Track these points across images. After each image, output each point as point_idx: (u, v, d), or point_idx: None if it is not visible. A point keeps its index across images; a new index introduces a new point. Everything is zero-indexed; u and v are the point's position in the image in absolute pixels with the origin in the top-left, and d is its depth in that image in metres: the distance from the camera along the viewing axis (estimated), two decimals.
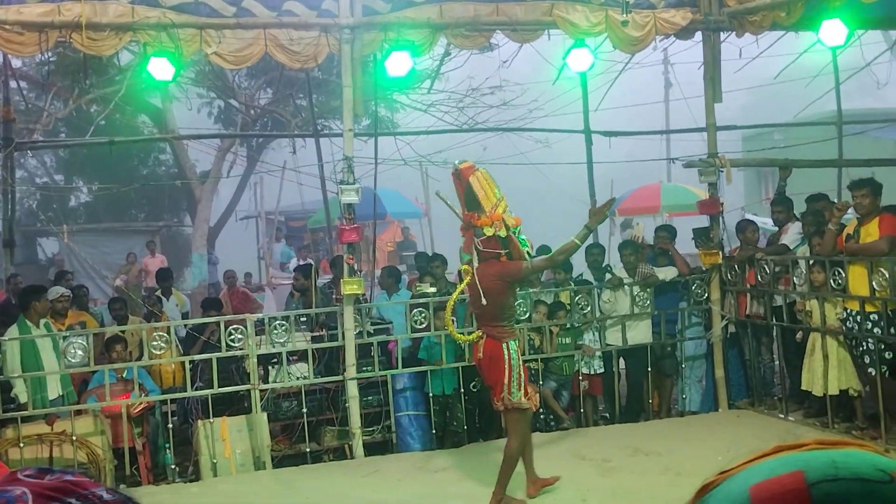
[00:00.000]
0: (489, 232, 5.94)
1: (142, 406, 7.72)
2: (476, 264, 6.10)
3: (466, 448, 8.02)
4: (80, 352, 7.40)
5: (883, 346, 7.08)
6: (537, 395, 6.29)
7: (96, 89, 15.31)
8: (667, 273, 8.92)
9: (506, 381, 5.93)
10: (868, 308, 7.16)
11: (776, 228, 9.09)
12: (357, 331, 8.00)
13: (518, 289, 6.26)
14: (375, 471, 7.38)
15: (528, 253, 6.07)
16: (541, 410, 8.39)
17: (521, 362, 6.05)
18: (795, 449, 0.81)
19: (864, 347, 7.25)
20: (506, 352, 5.95)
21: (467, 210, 6.08)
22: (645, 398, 8.88)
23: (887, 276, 6.94)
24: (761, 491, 0.78)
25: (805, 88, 12.83)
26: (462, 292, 6.71)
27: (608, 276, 8.92)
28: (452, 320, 6.83)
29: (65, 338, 7.54)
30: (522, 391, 5.96)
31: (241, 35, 7.81)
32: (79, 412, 7.47)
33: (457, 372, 8.23)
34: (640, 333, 8.76)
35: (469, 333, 6.62)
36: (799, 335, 8.08)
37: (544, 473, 6.44)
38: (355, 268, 8.17)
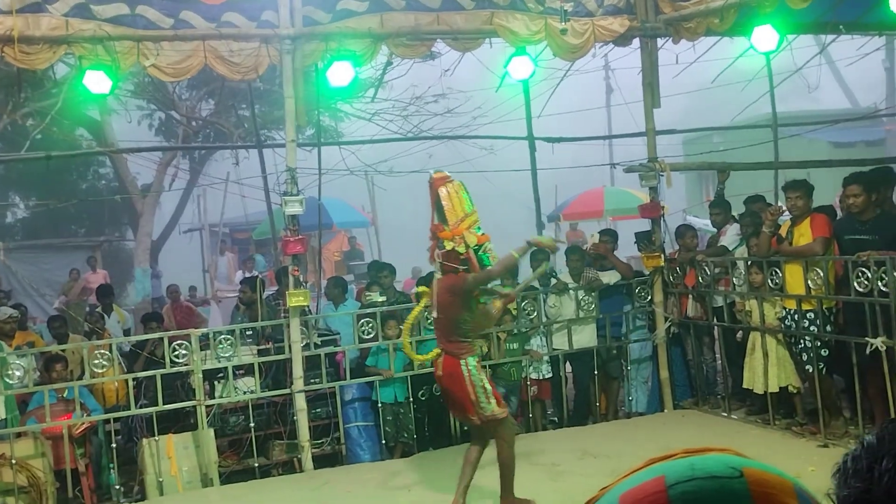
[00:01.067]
0: (448, 246, 5.89)
1: (84, 426, 7.56)
2: (437, 277, 6.10)
3: (417, 457, 8.01)
4: (17, 372, 7.21)
5: (819, 344, 7.27)
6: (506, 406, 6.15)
7: (32, 103, 14.99)
8: (610, 277, 9.04)
9: (472, 397, 5.83)
10: (805, 306, 7.35)
11: (716, 230, 9.27)
12: (304, 343, 7.95)
13: (472, 303, 5.98)
14: (325, 483, 7.34)
15: None
16: None
17: (484, 375, 5.97)
18: (664, 459, 0.88)
19: (802, 345, 7.43)
20: (464, 369, 5.83)
21: (436, 221, 6.04)
22: (592, 401, 8.98)
23: (822, 275, 7.13)
24: (628, 498, 0.87)
25: (741, 92, 13.13)
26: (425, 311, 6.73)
27: (553, 280, 9.00)
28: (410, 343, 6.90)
29: (7, 358, 7.36)
30: (494, 402, 5.87)
31: (180, 47, 7.72)
32: (18, 434, 7.28)
33: (406, 381, 8.22)
34: (586, 337, 8.85)
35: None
36: (739, 335, 8.25)
37: (495, 480, 6.43)
38: (301, 279, 8.11)
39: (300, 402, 7.84)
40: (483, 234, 5.97)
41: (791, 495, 0.86)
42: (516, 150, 13.71)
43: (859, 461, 0.92)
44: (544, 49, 8.90)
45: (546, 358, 8.80)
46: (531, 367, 8.72)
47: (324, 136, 15.36)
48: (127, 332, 11.23)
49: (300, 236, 7.97)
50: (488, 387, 5.89)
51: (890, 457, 0.89)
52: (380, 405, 8.16)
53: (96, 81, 7.46)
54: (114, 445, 7.71)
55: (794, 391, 7.81)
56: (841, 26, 9.40)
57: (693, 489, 0.84)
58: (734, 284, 8.21)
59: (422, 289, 6.51)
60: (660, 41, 9.08)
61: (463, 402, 5.92)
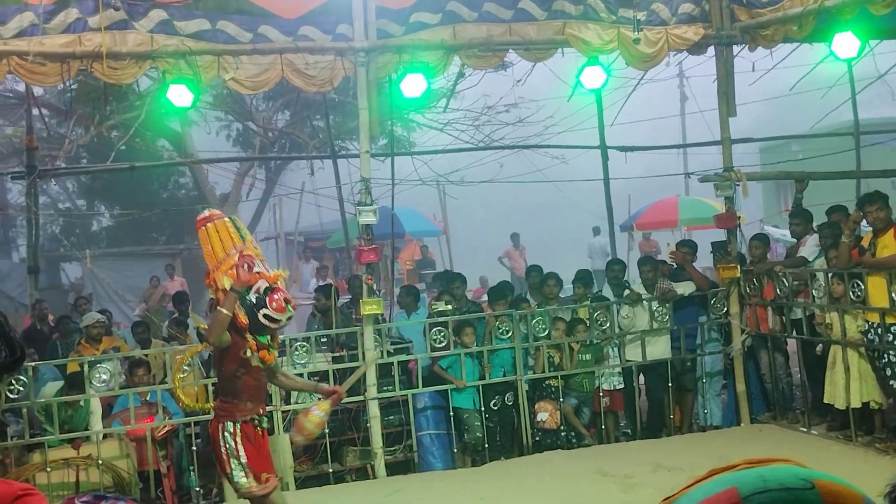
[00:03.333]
0: (210, 293, 5.22)
1: (166, 429, 7.79)
2: None
3: (488, 466, 8.03)
4: (104, 376, 7.49)
5: None
6: (275, 482, 5.21)
7: (117, 115, 15.53)
8: (685, 288, 8.92)
9: (227, 468, 5.08)
10: (889, 320, 7.13)
11: (795, 241, 9.07)
12: (377, 350, 8.05)
13: (231, 361, 5.09)
14: (398, 490, 7.41)
15: (265, 317, 5.04)
16: (562, 428, 8.41)
17: (241, 446, 5.07)
18: (728, 470, 0.90)
19: (886, 360, 7.21)
20: (219, 433, 5.09)
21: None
22: (666, 413, 8.86)
23: None
24: None
25: (821, 99, 12.82)
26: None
27: (626, 291, 8.93)
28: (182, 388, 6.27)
29: (96, 363, 7.65)
30: (251, 477, 5.06)
31: (258, 60, 7.93)
32: (104, 436, 7.55)
33: (477, 390, 8.26)
34: (660, 349, 8.75)
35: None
36: (819, 348, 8.05)
37: (568, 492, 6.38)
38: (374, 288, 8.22)
39: (373, 410, 7.94)
40: (258, 272, 5.09)
41: None
42: (589, 160, 13.69)
43: None
44: (617, 58, 8.86)
45: (618, 369, 8.73)
46: (602, 378, 8.66)
47: (397, 146, 15.53)
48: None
49: (374, 245, 8.09)
50: (243, 456, 5.06)
51: None
52: (452, 412, 8.20)
53: (179, 95, 7.72)
54: (194, 448, 7.91)
55: (877, 407, 7.58)
56: None
57: (769, 500, 0.86)
58: (813, 296, 8.01)
59: (203, 325, 5.75)
60: (735, 49, 8.94)
61: (222, 469, 5.20)
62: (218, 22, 7.85)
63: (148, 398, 7.90)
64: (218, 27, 7.84)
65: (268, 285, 5.07)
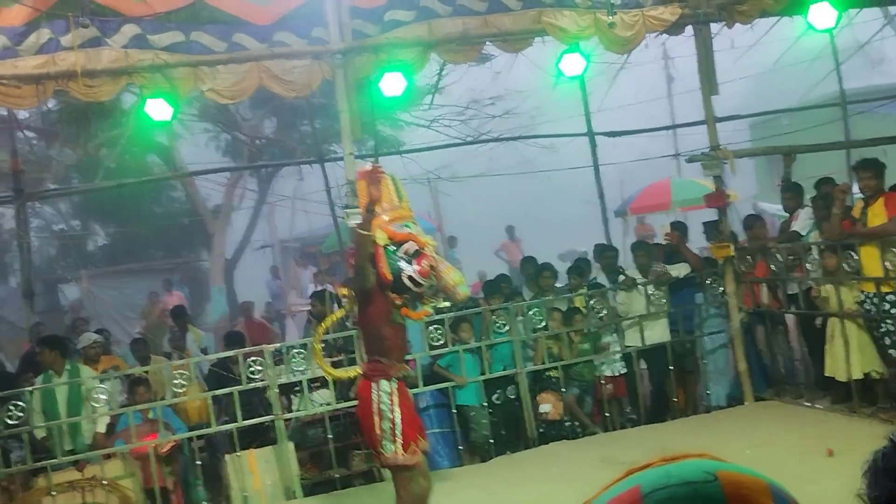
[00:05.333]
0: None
1: (169, 445, 7.78)
2: None
3: (494, 461, 8.01)
4: (103, 396, 7.47)
5: None
6: (421, 450, 5.05)
7: (102, 133, 15.48)
8: (680, 270, 8.89)
9: (376, 430, 4.95)
10: (884, 289, 7.10)
11: (788, 215, 9.05)
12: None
13: (392, 317, 4.99)
14: None
15: (409, 279, 4.94)
16: (566, 418, 8.39)
17: (397, 407, 4.96)
18: (643, 469, 0.90)
19: (884, 329, 7.18)
20: (374, 393, 4.96)
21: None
22: (670, 397, 8.83)
23: None
24: None
25: (806, 71, 12.79)
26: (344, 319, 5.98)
27: (621, 277, 8.91)
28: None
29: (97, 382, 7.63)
30: (398, 443, 4.91)
31: (235, 69, 7.89)
32: (107, 456, 7.53)
33: (480, 385, 8.23)
34: (658, 332, 8.72)
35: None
36: (819, 321, 8.02)
37: (575, 482, 6.37)
38: None
39: None
40: (409, 233, 5.05)
41: (766, 495, 0.87)
42: (578, 147, 13.63)
43: (891, 458, 0.91)
44: (597, 44, 8.82)
45: (619, 355, 8.71)
46: (604, 366, 8.64)
47: (385, 145, 15.48)
48: (204, 351, 11.50)
49: None
50: (398, 422, 4.92)
51: None
52: (456, 409, 8.18)
53: (157, 109, 7.69)
54: (199, 462, 7.89)
55: (878, 377, 7.56)
56: None
57: (667, 496, 0.86)
58: (808, 270, 7.98)
59: (345, 291, 5.59)
60: (715, 27, 8.90)
61: (367, 435, 5.10)
62: (192, 33, 7.81)
63: (150, 415, 7.88)
64: (192, 38, 7.80)
65: (417, 248, 4.98)
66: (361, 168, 5.35)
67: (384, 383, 4.95)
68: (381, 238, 4.93)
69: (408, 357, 8.29)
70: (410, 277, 4.91)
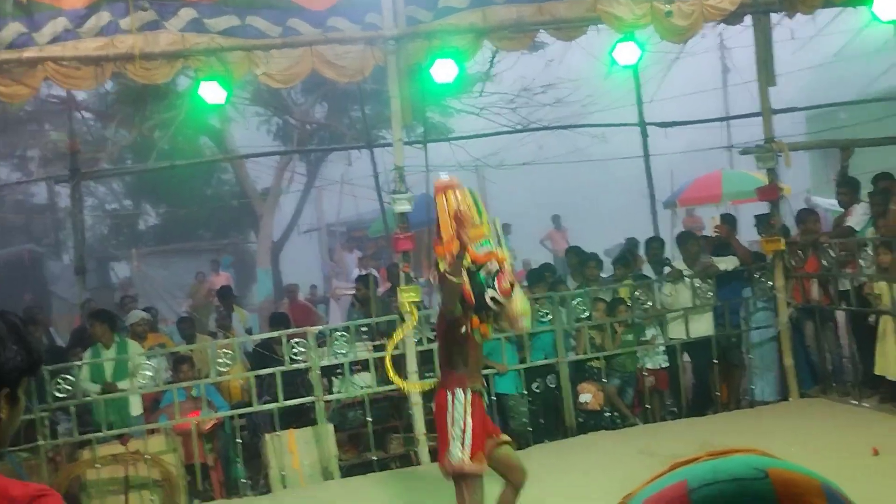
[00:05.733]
0: (441, 266, 5.00)
1: (211, 422, 7.90)
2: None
3: (532, 449, 7.99)
4: (148, 373, 7.61)
5: None
6: (485, 466, 5.03)
7: (157, 115, 15.72)
8: (728, 263, 8.76)
9: (448, 435, 4.95)
10: None
11: (843, 210, 8.85)
12: (417, 338, 8.05)
13: (474, 336, 5.00)
14: (442, 476, 7.39)
15: (492, 300, 4.88)
16: (605, 409, 8.34)
17: (469, 416, 4.94)
18: (688, 463, 0.86)
19: None
20: (448, 400, 5.01)
21: (435, 235, 5.22)
22: (712, 390, 8.72)
23: None
24: None
25: (868, 64, 12.47)
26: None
27: (667, 269, 8.80)
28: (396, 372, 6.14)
29: (143, 358, 7.78)
30: (467, 451, 4.88)
31: (289, 54, 7.93)
32: (151, 431, 7.68)
33: (520, 373, 8.21)
34: (703, 325, 8.61)
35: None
36: (872, 318, 7.84)
37: (613, 473, 6.31)
38: (412, 275, 8.21)
39: (415, 397, 7.94)
40: (490, 251, 4.96)
41: (819, 495, 0.82)
42: (629, 137, 13.49)
43: None
44: (653, 33, 8.69)
45: (662, 348, 8.62)
46: (647, 358, 8.56)
47: (434, 132, 15.48)
48: (249, 331, 11.64)
49: (410, 233, 8.07)
50: (469, 431, 4.91)
51: None
52: (494, 397, 8.17)
53: (211, 92, 7.76)
54: (240, 440, 8.00)
55: None
56: None
57: (715, 492, 0.83)
58: (861, 266, 7.80)
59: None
60: (775, 17, 8.71)
61: (439, 443, 5.12)
62: (247, 17, 7.86)
63: (193, 393, 8.00)
64: (247, 22, 7.85)
65: (497, 267, 4.92)
66: (439, 181, 5.18)
67: (459, 392, 5.00)
68: (467, 262, 4.91)
69: None
70: (493, 298, 4.88)
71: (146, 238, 23.93)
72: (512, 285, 4.95)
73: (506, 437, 5.22)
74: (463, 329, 4.98)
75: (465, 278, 4.85)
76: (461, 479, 4.98)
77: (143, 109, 14.59)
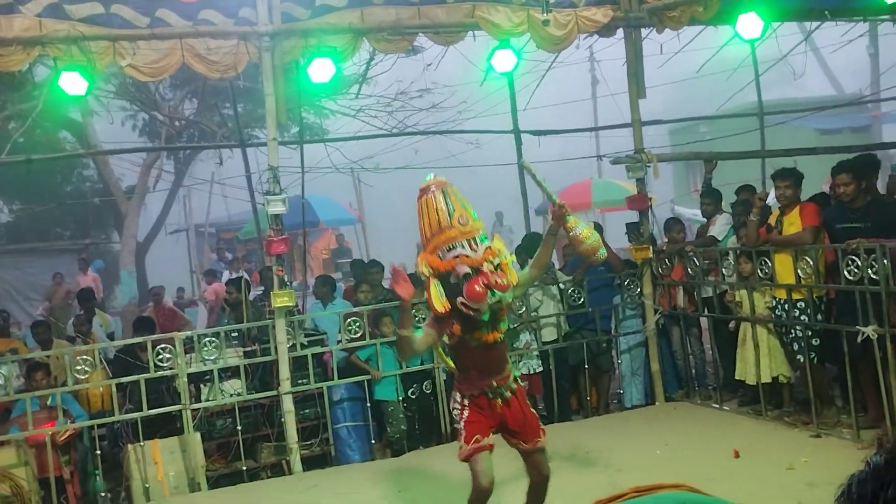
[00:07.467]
0: (425, 271, 4.77)
1: (68, 433, 7.45)
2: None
3: (407, 455, 7.93)
4: None
5: (810, 333, 7.21)
6: (486, 444, 4.95)
7: (12, 105, 14.80)
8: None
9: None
10: (795, 296, 7.28)
11: (705, 220, 9.21)
12: (290, 343, 7.85)
13: (467, 341, 4.89)
14: (315, 485, 7.24)
15: (462, 305, 4.67)
16: None
17: (466, 410, 4.98)
18: (612, 501, 0.81)
19: (793, 335, 7.37)
20: (452, 400, 5.18)
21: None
22: (583, 395, 8.91)
23: (812, 263, 7.07)
24: None
25: (727, 81, 13.05)
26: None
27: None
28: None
29: None
30: (461, 438, 4.99)
31: (157, 46, 7.59)
32: (0, 443, 7.17)
33: (396, 379, 8.14)
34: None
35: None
36: (732, 325, 8.19)
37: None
38: (286, 280, 8.01)
39: (288, 404, 7.74)
40: (460, 254, 4.65)
41: None
42: (503, 144, 13.63)
43: (864, 486, 0.83)
44: (528, 41, 8.81)
45: (536, 353, 8.73)
46: (521, 363, 8.65)
47: (309, 133, 15.23)
48: (111, 336, 11.08)
49: (284, 236, 7.87)
50: (463, 429, 4.96)
51: None
52: (371, 403, 8.07)
53: (72, 83, 7.33)
54: (99, 451, 7.58)
55: (785, 381, 7.77)
56: (826, 12, 9.33)
57: None
58: (723, 275, 8.14)
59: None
60: (644, 31, 8.99)
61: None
62: (112, 5, 7.47)
63: (49, 402, 7.53)
64: (112, 11, 7.46)
65: (468, 270, 4.61)
66: (422, 184, 4.94)
67: (456, 395, 5.07)
68: (425, 270, 4.71)
69: (323, 349, 8.19)
70: (462, 303, 4.65)
71: None
72: (488, 285, 4.62)
73: (540, 445, 5.17)
74: (448, 340, 4.97)
75: (434, 288, 4.66)
76: (470, 465, 5.02)
77: None
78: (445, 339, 5.03)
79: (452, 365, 5.31)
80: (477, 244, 4.71)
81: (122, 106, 18.42)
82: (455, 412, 5.09)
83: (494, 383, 4.97)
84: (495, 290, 4.64)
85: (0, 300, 16.36)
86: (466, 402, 5.01)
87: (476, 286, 4.60)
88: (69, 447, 7.63)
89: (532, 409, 5.30)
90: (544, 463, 5.21)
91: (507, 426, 5.08)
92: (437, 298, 4.68)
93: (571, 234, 5.24)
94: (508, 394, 5.05)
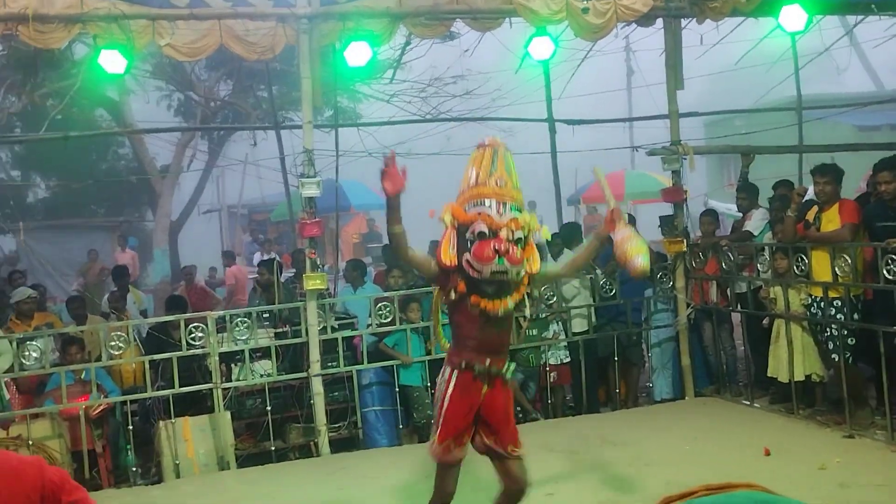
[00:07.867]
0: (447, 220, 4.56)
1: (101, 408, 7.55)
2: None
3: None
4: (34, 354, 7.19)
5: (846, 332, 7.10)
6: (457, 454, 4.64)
7: (51, 83, 14.97)
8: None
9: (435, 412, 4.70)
10: (831, 294, 7.18)
11: (741, 215, 9.11)
12: (321, 326, 7.88)
13: (466, 306, 4.53)
14: (342, 468, 7.28)
15: (466, 262, 4.42)
16: None
17: (447, 398, 4.58)
18: (682, 498, 0.79)
19: (828, 333, 7.27)
20: (440, 377, 4.74)
21: None
22: (612, 387, 8.87)
23: (850, 261, 6.96)
24: None
25: (766, 74, 12.88)
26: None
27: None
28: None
29: (24, 340, 7.32)
30: (436, 432, 4.61)
31: (196, 26, 7.62)
32: (35, 415, 7.28)
33: (424, 365, 8.15)
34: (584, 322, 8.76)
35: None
36: (766, 321, 8.10)
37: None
38: (317, 262, 8.04)
39: (317, 386, 7.78)
40: (481, 212, 4.39)
41: None
42: (536, 133, 13.57)
43: None
44: (565, 29, 8.73)
45: (565, 343, 8.71)
46: (549, 353, 8.63)
47: (342, 117, 15.24)
48: (143, 314, 11.21)
49: (317, 219, 7.89)
50: (444, 411, 4.59)
51: None
52: (398, 389, 8.09)
53: (111, 61, 7.39)
54: (130, 427, 7.67)
55: (818, 380, 7.67)
56: (873, 5, 9.14)
57: None
58: (758, 270, 8.05)
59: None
60: (683, 21, 8.88)
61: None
62: None
63: (83, 376, 7.63)
64: None
65: (484, 229, 4.37)
66: (487, 138, 4.68)
67: (446, 369, 4.64)
68: (447, 219, 4.48)
69: (353, 333, 8.21)
70: (468, 261, 4.41)
71: (35, 211, 22.79)
72: (499, 251, 4.34)
73: (519, 454, 4.73)
74: (453, 295, 4.54)
75: (449, 239, 4.46)
76: (437, 469, 4.68)
77: (35, 75, 13.86)
78: (452, 294, 4.54)
79: (446, 342, 4.97)
80: (505, 209, 4.45)
81: (159, 86, 18.56)
82: (439, 391, 4.65)
83: (487, 361, 4.57)
84: (503, 259, 4.37)
85: (36, 275, 16.58)
86: (453, 379, 4.59)
87: (486, 248, 4.36)
88: (102, 421, 7.73)
89: (514, 421, 4.88)
90: (522, 473, 4.76)
91: (485, 419, 4.68)
92: (447, 250, 4.48)
93: (619, 250, 4.72)
94: (496, 381, 4.65)
